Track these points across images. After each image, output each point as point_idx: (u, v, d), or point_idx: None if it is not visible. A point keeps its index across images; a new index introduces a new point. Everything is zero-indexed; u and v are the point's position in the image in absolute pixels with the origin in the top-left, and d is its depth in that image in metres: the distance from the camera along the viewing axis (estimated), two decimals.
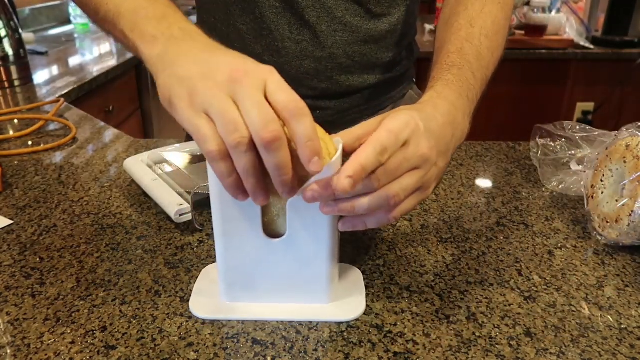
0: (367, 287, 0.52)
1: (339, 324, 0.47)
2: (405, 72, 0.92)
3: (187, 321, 0.47)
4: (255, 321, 0.47)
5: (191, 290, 0.51)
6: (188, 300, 0.50)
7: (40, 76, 1.47)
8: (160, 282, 0.53)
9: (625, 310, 0.49)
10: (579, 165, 0.72)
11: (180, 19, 0.50)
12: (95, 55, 1.86)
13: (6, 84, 1.32)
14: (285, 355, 0.44)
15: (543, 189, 0.73)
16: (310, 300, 0.49)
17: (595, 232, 0.61)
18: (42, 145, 0.89)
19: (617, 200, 0.58)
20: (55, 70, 1.57)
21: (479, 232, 0.62)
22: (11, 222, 0.64)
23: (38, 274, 0.54)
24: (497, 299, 0.51)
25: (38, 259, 0.57)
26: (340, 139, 0.44)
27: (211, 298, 0.50)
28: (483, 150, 0.87)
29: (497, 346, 0.45)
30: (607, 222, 0.59)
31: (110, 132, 0.97)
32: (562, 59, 2.08)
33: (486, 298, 0.51)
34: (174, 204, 0.61)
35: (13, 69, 1.33)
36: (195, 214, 0.61)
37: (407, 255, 0.58)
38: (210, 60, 0.44)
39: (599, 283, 0.53)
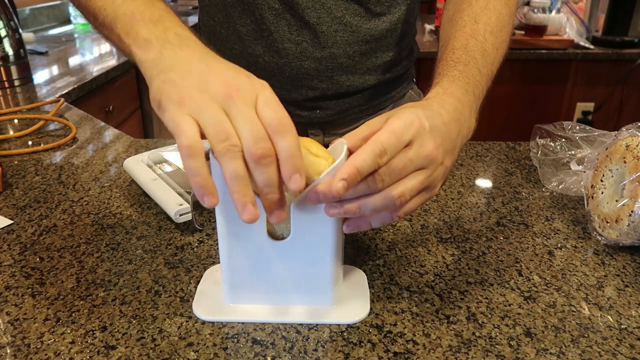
0: None
1: (339, 324, 0.47)
2: (405, 72, 0.92)
3: (187, 321, 0.47)
4: (250, 322, 0.47)
5: (191, 290, 0.51)
6: (188, 300, 0.50)
7: (40, 76, 1.47)
8: (160, 282, 0.53)
9: (625, 310, 0.49)
10: (579, 165, 0.72)
11: (177, 24, 0.50)
12: (95, 55, 1.86)
13: (6, 84, 1.32)
14: (285, 355, 0.44)
15: (543, 189, 0.73)
16: (314, 302, 0.49)
17: (595, 232, 0.61)
18: (42, 145, 0.89)
19: (617, 200, 0.58)
20: (55, 70, 1.57)
21: (479, 232, 0.62)
22: (11, 222, 0.64)
23: (38, 274, 0.54)
24: (497, 299, 0.51)
25: (38, 259, 0.57)
26: (344, 140, 0.44)
27: (214, 300, 0.50)
28: (483, 150, 0.87)
29: (497, 346, 0.45)
30: (607, 222, 0.59)
31: (110, 132, 0.97)
32: (562, 59, 2.08)
33: (486, 298, 0.51)
34: (174, 204, 0.61)
35: (13, 69, 1.33)
36: (195, 214, 0.61)
37: (407, 255, 0.58)
38: (205, 72, 0.44)
39: (599, 283, 0.53)
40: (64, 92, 1.30)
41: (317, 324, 0.47)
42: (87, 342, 0.45)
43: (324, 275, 0.47)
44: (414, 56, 0.94)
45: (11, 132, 0.97)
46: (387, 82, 0.88)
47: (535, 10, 2.06)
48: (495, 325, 0.47)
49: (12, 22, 1.32)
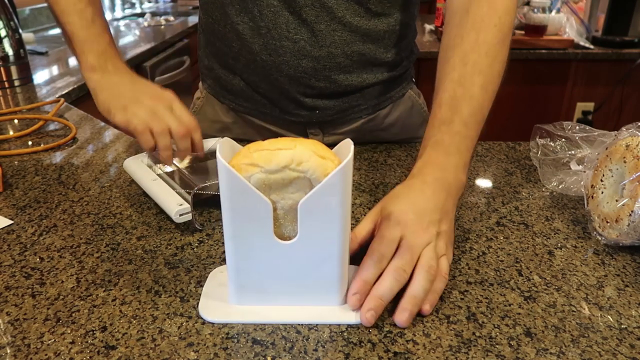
0: None
1: (339, 324, 0.47)
2: (405, 72, 0.92)
3: (187, 321, 0.47)
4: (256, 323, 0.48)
5: (191, 291, 0.51)
6: (188, 301, 0.50)
7: (40, 76, 1.47)
8: (160, 282, 0.53)
9: (625, 310, 0.49)
10: (579, 165, 0.72)
11: (114, 56, 0.77)
12: None
13: (6, 84, 1.32)
14: (285, 355, 0.44)
15: (543, 189, 0.73)
16: (321, 302, 0.49)
17: (595, 232, 0.61)
18: (42, 145, 0.89)
19: (617, 200, 0.58)
20: (55, 70, 1.57)
21: (479, 232, 0.62)
22: (11, 222, 0.64)
23: (38, 274, 0.54)
24: (497, 299, 0.51)
25: (38, 259, 0.57)
26: (350, 141, 0.45)
27: (221, 301, 0.49)
28: (483, 150, 0.87)
29: (497, 346, 0.45)
30: (607, 222, 0.59)
31: (110, 132, 0.97)
32: (562, 59, 2.08)
33: (486, 298, 0.51)
34: (174, 204, 0.61)
35: (13, 69, 1.33)
36: (195, 214, 0.61)
37: None
38: (135, 88, 0.75)
39: (599, 283, 0.53)
40: (64, 92, 1.30)
41: (317, 324, 0.47)
42: (87, 342, 0.45)
43: (330, 275, 0.47)
44: (413, 57, 0.94)
45: (11, 132, 0.97)
46: (386, 82, 0.88)
47: (535, 10, 2.06)
48: (495, 325, 0.47)
49: (12, 22, 1.32)
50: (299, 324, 0.47)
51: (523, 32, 2.11)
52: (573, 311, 0.49)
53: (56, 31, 2.30)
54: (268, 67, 0.81)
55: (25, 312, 0.49)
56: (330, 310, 0.48)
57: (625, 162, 0.59)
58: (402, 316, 0.46)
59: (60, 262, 0.56)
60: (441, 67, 0.66)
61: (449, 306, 0.49)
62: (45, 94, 1.29)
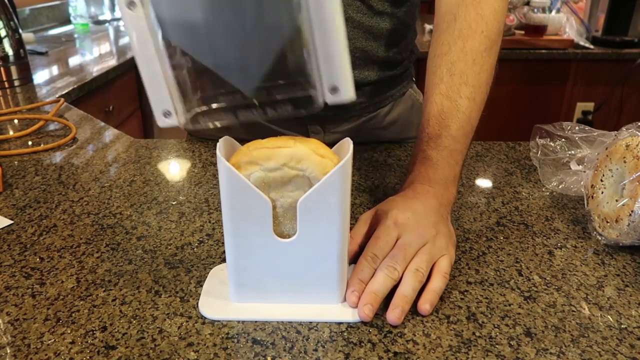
0: None
1: (339, 323, 0.47)
2: (405, 71, 0.92)
3: (187, 321, 0.47)
4: (257, 321, 0.47)
5: (191, 290, 0.51)
6: (188, 301, 0.50)
7: (40, 76, 1.47)
8: (160, 282, 0.53)
9: (625, 310, 0.49)
10: (579, 165, 0.72)
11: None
12: (95, 55, 1.86)
13: (6, 84, 1.32)
14: (285, 355, 0.44)
15: (543, 189, 0.73)
16: (321, 301, 0.49)
17: (595, 232, 0.61)
18: (42, 145, 0.89)
19: (617, 200, 0.58)
20: (55, 70, 1.57)
21: (479, 232, 0.62)
22: (11, 222, 0.64)
23: (38, 274, 0.54)
24: (497, 299, 0.51)
25: (38, 259, 0.57)
26: (349, 140, 0.46)
27: (221, 299, 0.50)
28: (483, 150, 0.87)
29: (497, 346, 0.45)
30: (607, 222, 0.59)
31: (110, 132, 0.97)
32: (562, 59, 2.09)
33: (486, 298, 0.51)
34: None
35: (13, 69, 1.33)
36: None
37: None
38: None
39: (599, 283, 0.53)
40: (64, 92, 1.30)
41: (317, 324, 0.47)
42: (87, 342, 0.45)
43: (330, 273, 0.47)
44: (413, 57, 0.94)
45: (11, 132, 0.97)
46: (387, 80, 0.88)
47: (535, 10, 2.06)
48: (495, 325, 0.47)
49: (12, 22, 1.32)
50: (299, 324, 0.47)
51: (523, 32, 2.11)
52: (573, 311, 0.49)
53: (56, 31, 2.30)
54: None
55: (25, 312, 0.49)
56: (330, 308, 0.48)
57: (625, 162, 0.59)
58: (393, 314, 0.47)
59: (60, 262, 0.56)
60: (429, 77, 0.66)
61: (449, 306, 0.49)
62: (45, 94, 1.29)
